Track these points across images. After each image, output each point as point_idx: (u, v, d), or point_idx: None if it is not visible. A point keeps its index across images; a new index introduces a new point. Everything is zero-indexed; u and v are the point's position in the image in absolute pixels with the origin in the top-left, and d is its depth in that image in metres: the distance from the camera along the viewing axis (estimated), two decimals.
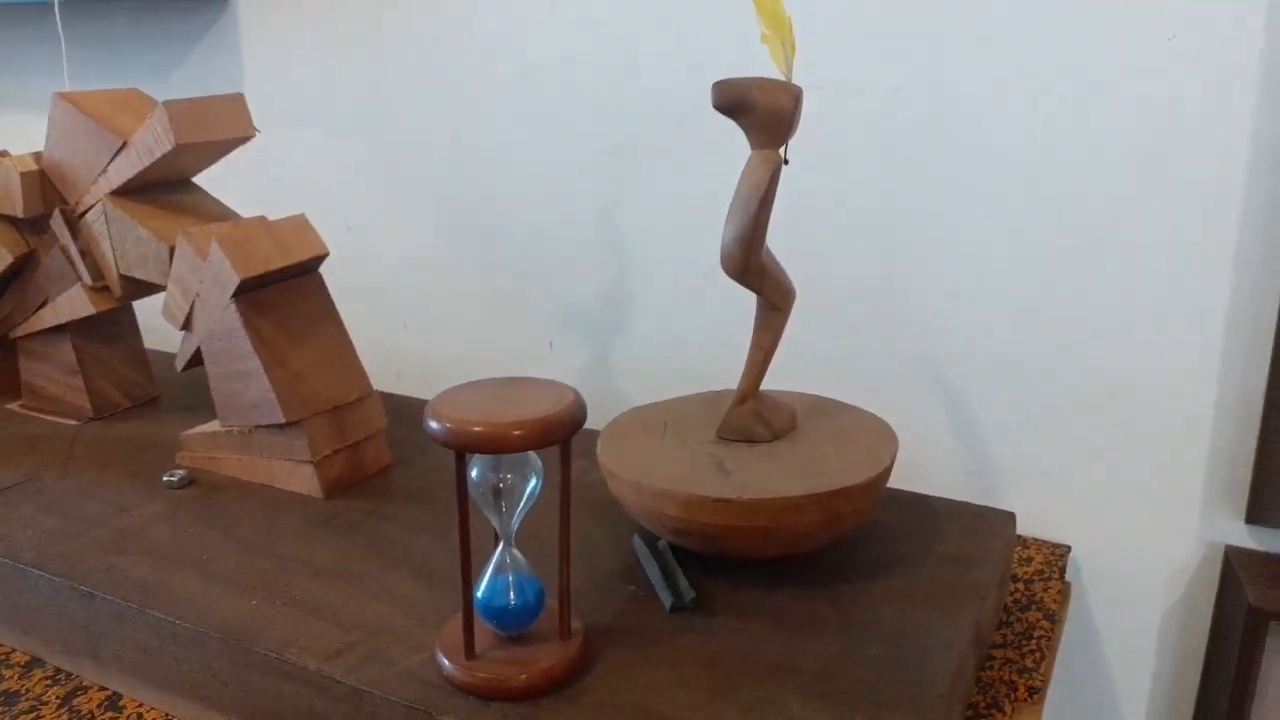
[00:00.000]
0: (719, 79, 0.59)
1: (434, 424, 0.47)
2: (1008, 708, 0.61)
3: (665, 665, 0.53)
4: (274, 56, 1.06)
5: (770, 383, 0.68)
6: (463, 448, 0.47)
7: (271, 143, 1.07)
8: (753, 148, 0.61)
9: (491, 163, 0.96)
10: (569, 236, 0.94)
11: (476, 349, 1.03)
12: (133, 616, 0.59)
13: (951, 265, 0.78)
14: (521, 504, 0.51)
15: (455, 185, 0.99)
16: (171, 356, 0.82)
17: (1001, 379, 0.79)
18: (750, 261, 0.61)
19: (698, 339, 0.90)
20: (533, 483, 0.51)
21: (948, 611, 0.58)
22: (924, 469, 0.83)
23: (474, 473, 0.50)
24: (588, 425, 0.77)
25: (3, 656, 0.66)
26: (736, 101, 0.59)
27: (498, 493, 0.51)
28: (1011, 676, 0.63)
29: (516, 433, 0.47)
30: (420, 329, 1.07)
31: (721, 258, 0.62)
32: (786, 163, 0.61)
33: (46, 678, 0.64)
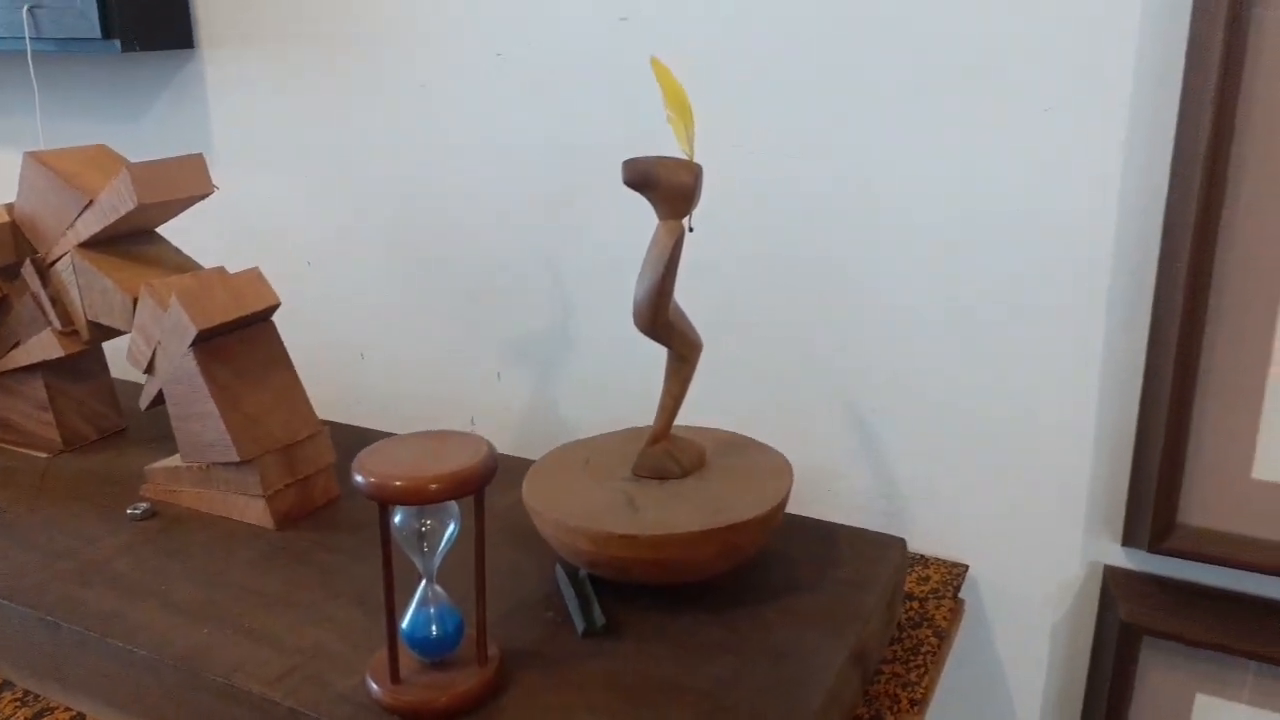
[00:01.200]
0: (628, 157, 0.66)
1: (359, 478, 0.54)
2: (889, 718, 0.68)
3: (573, 687, 0.60)
4: (238, 102, 1.12)
5: (692, 418, 0.75)
6: (386, 500, 0.54)
7: (237, 182, 1.13)
8: (659, 218, 0.67)
9: (443, 206, 1.02)
10: (515, 277, 1.00)
11: (429, 379, 1.10)
12: (95, 645, 0.66)
13: (859, 310, 0.85)
14: (442, 546, 0.58)
15: (410, 225, 1.05)
16: (139, 387, 0.88)
17: (909, 415, 0.86)
18: (658, 319, 0.68)
19: (632, 374, 0.97)
20: (451, 527, 0.58)
21: (832, 633, 0.65)
22: (837, 497, 0.90)
23: (398, 519, 0.57)
24: (528, 455, 0.84)
25: None
26: (643, 178, 0.66)
27: (420, 536, 0.57)
28: (895, 690, 0.70)
29: (434, 486, 0.53)
30: (376, 359, 1.13)
31: (633, 315, 0.68)
32: (691, 230, 0.68)
33: (16, 699, 0.70)
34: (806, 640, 0.64)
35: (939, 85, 0.78)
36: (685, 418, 0.74)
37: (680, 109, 0.66)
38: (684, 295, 0.70)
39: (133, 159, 1.04)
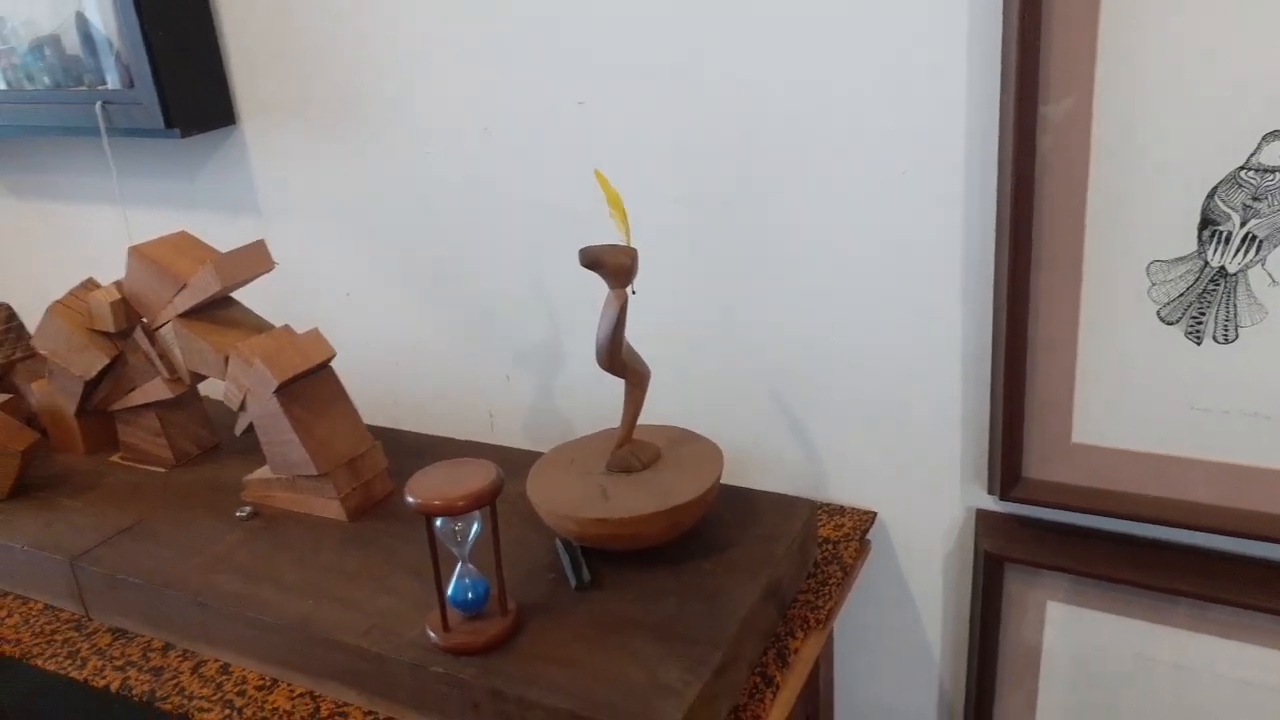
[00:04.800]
0: (583, 245, 0.90)
1: (410, 499, 0.80)
2: (799, 634, 0.94)
3: (568, 626, 0.87)
4: (277, 164, 1.36)
5: (650, 416, 1.00)
6: (430, 513, 0.80)
7: (284, 231, 1.38)
8: (609, 288, 0.91)
9: (456, 241, 1.26)
10: (515, 302, 1.25)
11: (450, 383, 1.35)
12: (234, 616, 0.93)
13: (782, 321, 1.10)
14: (470, 538, 0.84)
15: (430, 258, 1.30)
16: (224, 407, 1.12)
17: (832, 402, 1.10)
18: (614, 360, 0.93)
19: (611, 378, 1.22)
20: (476, 526, 0.84)
21: (749, 576, 0.91)
22: (771, 468, 1.16)
23: (438, 524, 0.83)
24: (534, 448, 1.10)
25: (148, 643, 1.00)
26: (594, 261, 0.90)
27: (454, 534, 0.83)
28: (806, 614, 0.97)
29: (461, 503, 0.79)
30: (408, 369, 1.38)
31: (596, 358, 0.93)
32: (634, 293, 0.92)
33: (179, 655, 0.98)
34: (729, 583, 0.90)
35: (820, 143, 1.01)
36: (644, 417, 0.99)
37: (617, 209, 0.90)
38: (637, 324, 0.94)
39: (191, 213, 1.31)
